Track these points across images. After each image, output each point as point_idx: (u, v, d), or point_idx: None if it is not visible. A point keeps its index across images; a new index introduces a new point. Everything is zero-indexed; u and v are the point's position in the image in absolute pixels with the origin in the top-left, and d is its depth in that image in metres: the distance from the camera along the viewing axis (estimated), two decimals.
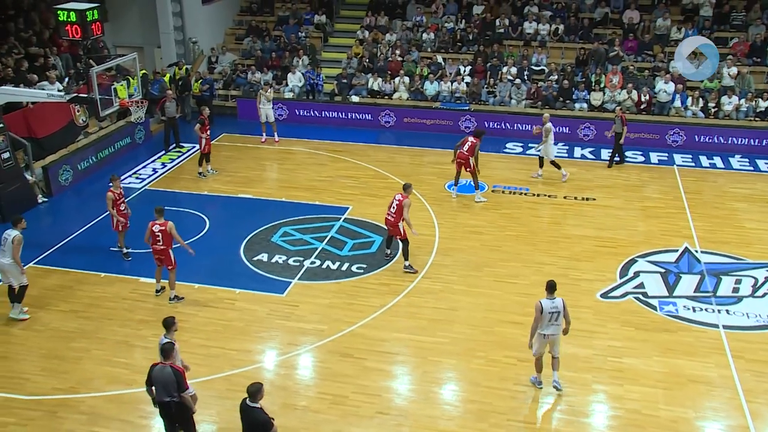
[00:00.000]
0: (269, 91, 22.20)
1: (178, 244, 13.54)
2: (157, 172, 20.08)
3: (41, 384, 11.43)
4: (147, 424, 10.67)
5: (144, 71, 22.90)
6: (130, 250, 15.34)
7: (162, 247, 13.39)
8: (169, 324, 10.12)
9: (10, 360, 12.06)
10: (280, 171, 20.14)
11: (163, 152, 21.34)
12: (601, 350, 12.23)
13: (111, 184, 15.17)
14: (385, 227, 15.07)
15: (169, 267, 13.57)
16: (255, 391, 8.77)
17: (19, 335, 12.75)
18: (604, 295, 13.88)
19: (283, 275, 14.58)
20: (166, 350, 9.35)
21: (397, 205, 14.55)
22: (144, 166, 20.45)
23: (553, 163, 19.18)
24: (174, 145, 21.70)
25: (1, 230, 16.49)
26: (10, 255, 12.77)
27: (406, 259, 14.69)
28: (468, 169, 17.81)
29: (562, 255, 15.37)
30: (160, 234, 13.31)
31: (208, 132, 19.28)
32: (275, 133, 22.28)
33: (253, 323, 13.08)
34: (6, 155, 16.91)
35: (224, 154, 21.28)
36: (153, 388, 9.38)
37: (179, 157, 21.16)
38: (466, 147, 17.73)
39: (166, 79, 23.80)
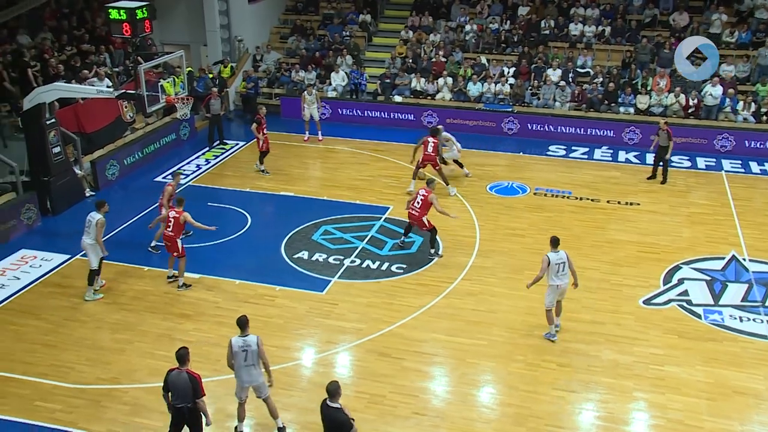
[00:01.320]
0: (313, 92, 22.29)
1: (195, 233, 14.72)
2: (200, 168, 20.35)
3: (86, 373, 11.68)
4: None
5: (190, 69, 23.22)
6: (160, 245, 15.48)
7: (171, 234, 13.89)
8: (243, 323, 10.02)
9: (58, 349, 12.34)
10: (322, 169, 20.25)
11: (207, 149, 21.62)
12: (642, 357, 12.02)
13: (172, 179, 15.52)
14: (408, 220, 15.34)
15: (176, 255, 14.05)
16: (334, 390, 8.63)
17: (65, 325, 13.05)
18: (647, 302, 13.66)
19: (323, 273, 14.66)
20: (182, 356, 9.28)
21: (422, 200, 14.87)
22: (188, 162, 20.75)
23: (456, 161, 19.33)
24: (218, 141, 21.98)
25: (52, 223, 17.00)
26: (93, 236, 13.57)
27: (432, 246, 15.12)
28: (436, 168, 17.94)
29: (604, 260, 15.17)
30: (172, 221, 13.85)
31: (265, 131, 19.45)
32: (319, 132, 22.37)
33: (293, 320, 13.17)
34: (57, 149, 17.30)
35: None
36: (169, 393, 9.36)
37: (223, 153, 21.41)
38: (430, 148, 17.80)
39: (210, 76, 24.10)
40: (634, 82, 23.08)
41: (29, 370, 11.76)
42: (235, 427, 10.48)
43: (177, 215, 13.85)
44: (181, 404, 9.31)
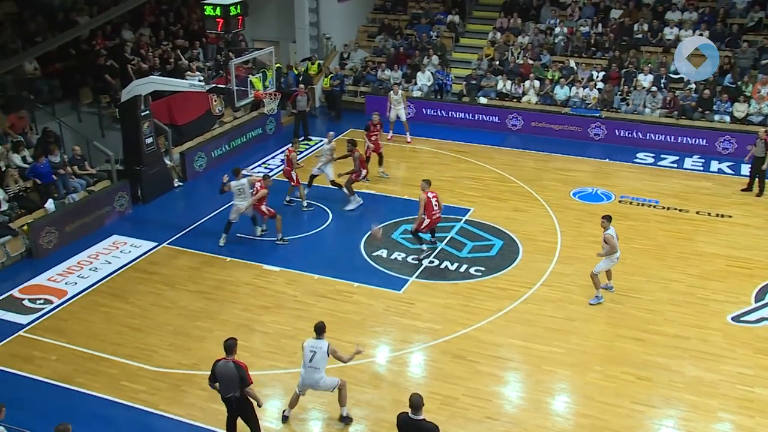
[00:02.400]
0: (399, 92, 22.31)
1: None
2: (284, 163, 20.66)
3: (168, 358, 12.11)
4: (262, 407, 11.02)
5: (279, 65, 23.69)
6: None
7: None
8: (320, 329, 10.34)
9: (143, 333, 12.84)
10: (404, 169, 20.31)
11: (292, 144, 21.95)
12: (729, 376, 11.57)
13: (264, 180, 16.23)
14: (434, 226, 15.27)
15: (267, 217, 15.76)
16: (419, 404, 8.51)
17: (151, 310, 13.56)
18: (736, 319, 13.12)
19: (402, 272, 14.71)
20: (230, 346, 9.43)
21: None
22: (273, 157, 21.16)
23: (333, 182, 18.19)
24: (303, 137, 22.33)
25: (142, 211, 17.66)
26: (248, 201, 15.59)
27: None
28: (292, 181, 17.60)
29: (690, 272, 14.67)
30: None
31: (374, 137, 19.33)
32: (408, 133, 22.37)
33: (369, 317, 13.27)
34: (150, 140, 17.97)
35: None
36: (217, 383, 9.54)
37: (307, 149, 21.73)
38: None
39: (296, 73, 24.50)
40: (733, 87, 22.16)
41: (117, 351, 12.28)
42: (283, 411, 10.74)
43: (261, 187, 15.55)
44: (229, 394, 9.51)
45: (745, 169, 19.43)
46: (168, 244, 15.97)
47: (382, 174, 19.58)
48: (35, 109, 18.04)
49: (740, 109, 21.58)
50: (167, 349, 12.32)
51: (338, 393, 10.56)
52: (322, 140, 22.35)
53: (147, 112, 17.79)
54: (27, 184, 16.39)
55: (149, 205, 18.03)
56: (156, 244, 15.95)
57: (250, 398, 9.68)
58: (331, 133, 18.96)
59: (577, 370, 11.75)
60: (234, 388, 9.48)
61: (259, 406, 9.79)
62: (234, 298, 13.91)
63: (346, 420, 10.63)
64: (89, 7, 20.62)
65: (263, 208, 15.70)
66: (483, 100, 24.03)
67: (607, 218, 13.39)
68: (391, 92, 22.30)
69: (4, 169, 16.26)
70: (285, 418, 10.76)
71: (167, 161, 19.08)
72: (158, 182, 18.46)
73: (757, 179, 18.38)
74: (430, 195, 14.88)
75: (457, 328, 12.84)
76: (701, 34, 23.72)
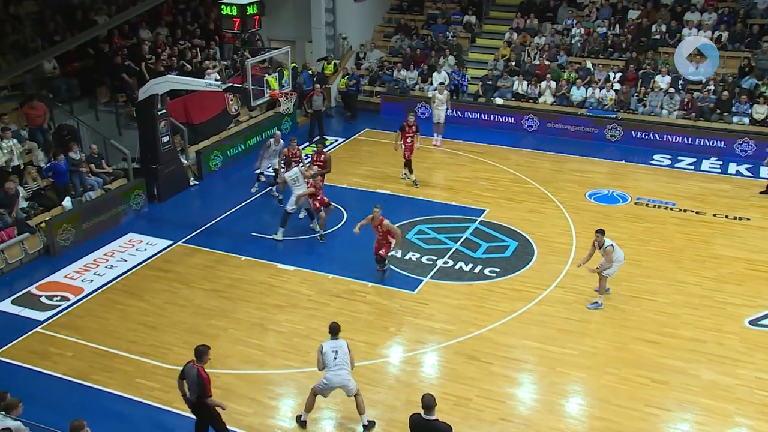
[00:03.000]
0: (444, 92, 21.66)
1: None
2: (300, 163, 20.69)
3: (183, 355, 12.08)
4: (275, 405, 11.10)
5: (294, 64, 23.74)
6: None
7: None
8: (335, 329, 10.35)
9: (158, 330, 12.92)
10: (419, 169, 20.22)
11: (308, 144, 22.05)
12: (746, 381, 11.46)
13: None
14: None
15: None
16: (432, 404, 8.50)
17: (166, 308, 13.63)
18: (754, 323, 13.00)
19: (416, 273, 14.70)
20: (199, 352, 9.44)
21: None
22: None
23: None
24: (318, 137, 22.34)
25: (157, 209, 17.76)
26: (303, 189, 15.85)
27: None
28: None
29: (707, 275, 14.55)
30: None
31: (409, 139, 18.67)
32: (439, 135, 22.03)
33: (383, 317, 13.28)
34: (166, 139, 18.07)
35: (365, 149, 21.75)
36: (185, 382, 9.58)
37: (323, 149, 21.64)
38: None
39: (310, 73, 24.55)
40: (752, 89, 21.97)
41: (132, 348, 12.36)
42: (299, 416, 10.68)
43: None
44: (190, 396, 9.58)
45: (764, 171, 19.26)
46: (183, 242, 16.06)
47: (406, 176, 19.12)
48: (54, 107, 18.19)
49: (760, 111, 21.37)
50: (182, 347, 12.37)
51: (356, 400, 10.42)
52: (337, 140, 22.45)
53: (164, 111, 17.90)
54: (45, 183, 16.55)
55: (165, 204, 18.14)
56: (171, 242, 16.05)
57: (211, 407, 9.67)
58: (278, 133, 19.06)
59: (591, 373, 11.70)
60: (193, 393, 9.53)
61: (223, 409, 9.69)
62: (248, 297, 13.96)
63: (369, 426, 10.50)
64: (108, 6, 20.77)
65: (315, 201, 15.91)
66: (499, 101, 23.96)
67: (601, 232, 13.32)
68: (436, 92, 21.78)
69: (23, 166, 16.41)
70: (303, 423, 10.63)
71: (183, 160, 19.18)
72: (174, 181, 18.57)
73: None
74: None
75: (470, 329, 12.82)
76: (720, 35, 23.54)
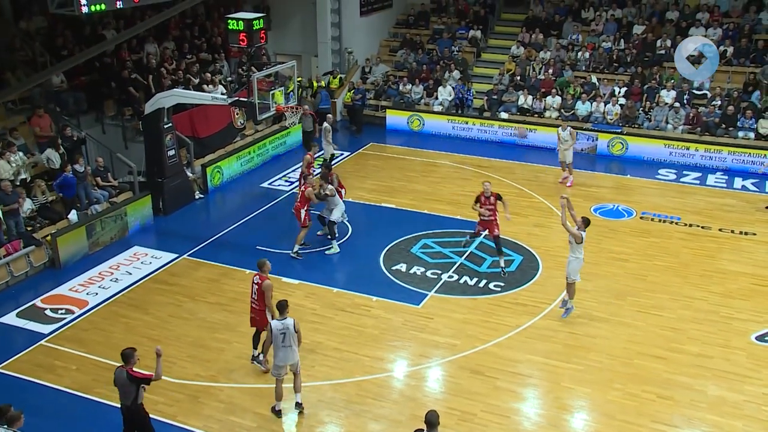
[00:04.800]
0: (567, 128, 19.54)
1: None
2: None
3: (187, 369, 12.12)
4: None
5: (300, 78, 23.84)
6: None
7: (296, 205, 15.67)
8: (283, 307, 10.51)
9: (162, 344, 12.68)
10: (424, 183, 20.27)
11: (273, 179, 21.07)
12: (754, 397, 11.35)
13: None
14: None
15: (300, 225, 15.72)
16: (435, 421, 8.49)
17: (170, 321, 13.61)
18: (761, 338, 12.89)
19: (421, 287, 14.65)
20: (126, 355, 9.47)
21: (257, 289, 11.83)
22: (293, 170, 21.18)
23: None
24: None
25: (163, 222, 17.77)
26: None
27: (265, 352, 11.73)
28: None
29: (714, 290, 14.46)
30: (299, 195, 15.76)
31: (489, 211, 15.03)
32: (569, 176, 19.95)
33: (388, 332, 13.22)
34: (172, 152, 18.11)
35: (371, 163, 21.74)
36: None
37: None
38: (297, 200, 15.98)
39: (314, 87, 24.65)
40: (758, 104, 21.94)
41: (137, 362, 12.26)
42: (273, 407, 11.00)
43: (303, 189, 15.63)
44: (122, 403, 9.58)
45: None
46: (188, 255, 16.05)
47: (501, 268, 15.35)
48: (60, 121, 18.26)
49: (765, 126, 21.33)
50: (186, 360, 12.34)
51: (294, 379, 10.87)
52: (342, 153, 22.45)
53: (170, 124, 17.95)
54: (53, 197, 16.59)
55: (170, 217, 18.15)
56: (176, 255, 16.04)
57: (144, 411, 9.68)
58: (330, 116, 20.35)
59: (597, 388, 11.61)
60: (125, 397, 9.52)
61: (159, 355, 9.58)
62: None
63: (299, 407, 10.98)
64: (116, 21, 20.90)
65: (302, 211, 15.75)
66: (504, 115, 23.97)
67: (585, 221, 13.35)
68: (559, 129, 19.76)
69: (29, 179, 16.45)
70: (279, 413, 10.95)
71: (189, 173, 19.21)
72: (179, 194, 18.59)
73: None
74: None
75: (475, 344, 12.75)
76: (725, 51, 23.54)
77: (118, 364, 9.23)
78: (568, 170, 19.87)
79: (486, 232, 15.39)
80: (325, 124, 20.43)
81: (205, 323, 13.55)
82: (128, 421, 9.75)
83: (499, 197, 15.02)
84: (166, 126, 17.77)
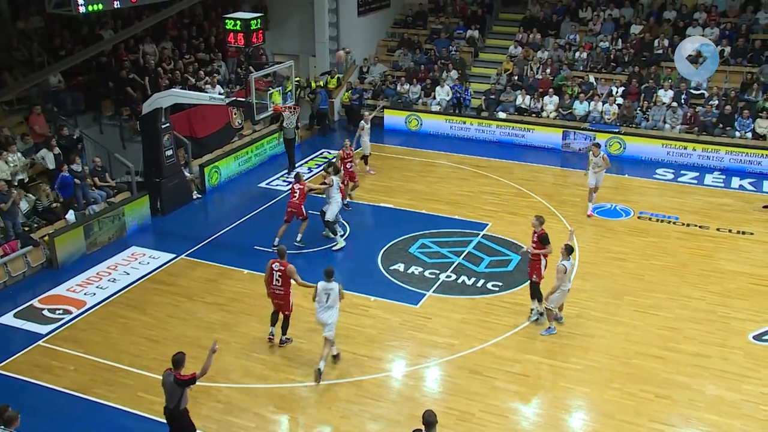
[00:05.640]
0: (600, 154, 17.48)
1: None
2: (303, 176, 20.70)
3: (185, 369, 12.02)
4: (277, 420, 11.03)
5: (299, 78, 23.84)
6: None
7: (297, 202, 15.90)
8: (330, 273, 11.76)
9: (160, 344, 12.85)
10: (422, 183, 20.26)
11: (286, 172, 20.95)
12: (751, 396, 11.37)
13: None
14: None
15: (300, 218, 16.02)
16: (433, 421, 8.51)
17: (168, 321, 13.59)
18: (758, 338, 12.91)
19: (419, 287, 14.65)
20: (177, 360, 9.53)
21: (281, 274, 12.41)
22: (291, 171, 21.13)
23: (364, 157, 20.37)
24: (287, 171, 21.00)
25: (160, 222, 17.76)
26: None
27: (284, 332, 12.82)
28: (300, 218, 16.11)
29: (711, 290, 14.47)
30: (297, 192, 15.89)
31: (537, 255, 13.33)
32: (591, 205, 17.88)
33: (386, 332, 13.22)
34: (169, 152, 18.09)
35: (369, 162, 21.67)
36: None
37: (325, 162, 21.64)
38: (296, 196, 15.92)
39: (313, 86, 24.64)
40: (755, 103, 21.96)
41: (134, 362, 12.31)
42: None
43: (301, 187, 15.92)
44: (166, 405, 9.61)
45: (767, 185, 19.22)
46: (186, 255, 16.03)
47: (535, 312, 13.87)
48: (57, 121, 18.23)
49: (763, 125, 21.36)
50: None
51: (324, 345, 11.83)
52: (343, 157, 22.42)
53: (167, 124, 17.92)
54: (54, 198, 16.57)
55: (168, 217, 18.12)
56: (174, 255, 16.02)
57: (188, 416, 9.72)
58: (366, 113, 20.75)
59: (595, 388, 11.61)
60: (170, 401, 9.56)
61: (203, 372, 9.59)
62: (251, 311, 13.90)
63: (319, 372, 11.70)
64: (113, 21, 20.87)
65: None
66: (502, 115, 23.97)
67: (567, 249, 12.51)
68: (590, 153, 17.81)
69: (26, 180, 16.41)
70: (319, 372, 11.68)
71: (186, 173, 19.19)
72: (177, 194, 18.57)
73: None
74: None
75: (474, 344, 12.75)
76: (723, 50, 23.55)
77: (117, 365, 9.25)
78: (593, 198, 17.96)
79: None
80: (362, 122, 20.41)
81: (203, 323, 13.53)
82: (170, 424, 9.77)
83: (541, 238, 13.09)
84: (163, 126, 17.74)
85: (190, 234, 17.11)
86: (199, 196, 19.41)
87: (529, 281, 13.48)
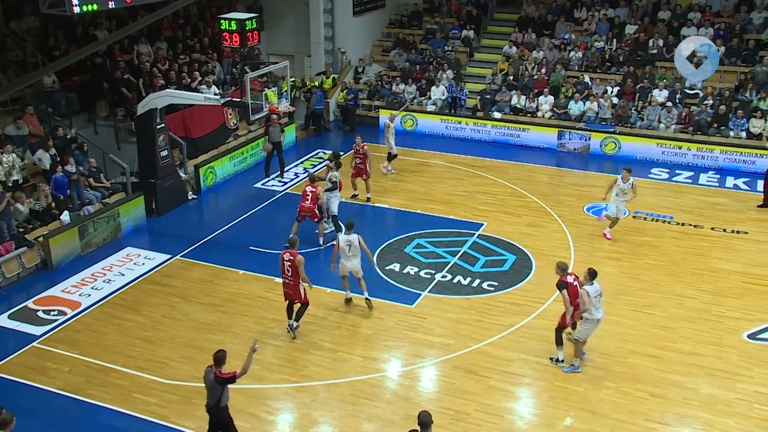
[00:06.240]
0: (630, 181, 15.92)
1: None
2: (298, 176, 20.75)
3: (180, 370, 12.09)
4: (273, 420, 11.03)
5: (294, 78, 23.83)
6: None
7: (309, 206, 16.01)
8: (351, 225, 13.58)
9: (155, 345, 12.85)
10: (418, 183, 20.28)
11: (268, 178, 20.62)
12: (745, 395, 11.41)
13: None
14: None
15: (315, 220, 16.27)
16: (428, 422, 8.54)
17: (163, 322, 13.57)
18: (753, 336, 12.96)
19: (414, 286, 14.66)
20: (219, 358, 9.56)
21: (290, 265, 12.73)
22: (286, 170, 21.15)
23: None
24: (278, 173, 20.72)
25: (155, 223, 17.73)
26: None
27: (297, 319, 13.05)
28: (316, 220, 16.22)
29: (705, 289, 14.52)
30: (309, 194, 15.99)
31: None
32: (607, 229, 16.59)
33: (381, 332, 13.22)
34: (164, 153, 18.07)
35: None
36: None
37: (321, 162, 21.64)
38: (308, 199, 15.95)
39: (302, 86, 24.68)
40: (749, 102, 22.03)
41: (129, 363, 12.29)
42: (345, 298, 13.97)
43: (313, 190, 16.00)
44: (208, 402, 9.66)
45: (761, 185, 19.24)
46: (181, 256, 16.02)
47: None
48: (52, 121, 18.20)
49: (757, 125, 21.42)
50: (179, 361, 12.31)
51: (360, 282, 13.72)
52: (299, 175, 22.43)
53: (162, 125, 17.91)
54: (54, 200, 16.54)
55: (163, 218, 18.10)
56: (169, 256, 16.01)
57: (228, 413, 9.75)
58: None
59: (590, 387, 11.63)
60: (211, 398, 9.60)
61: (244, 371, 9.62)
62: (246, 311, 13.90)
63: (368, 301, 13.71)
64: (108, 21, 20.83)
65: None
66: (497, 115, 24.00)
67: (591, 273, 11.64)
68: (618, 178, 16.14)
69: (21, 181, 16.37)
70: (348, 300, 13.94)
71: (181, 174, 19.17)
72: (172, 195, 18.55)
73: None
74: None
75: (469, 343, 12.77)
76: (717, 50, 23.59)
77: (112, 366, 9.24)
78: (613, 223, 16.48)
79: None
80: (386, 121, 20.55)
81: (198, 324, 13.52)
82: (212, 421, 9.82)
83: (559, 286, 11.89)
84: (159, 126, 17.73)
85: (186, 234, 17.10)
86: (195, 196, 19.39)
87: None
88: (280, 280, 14.65)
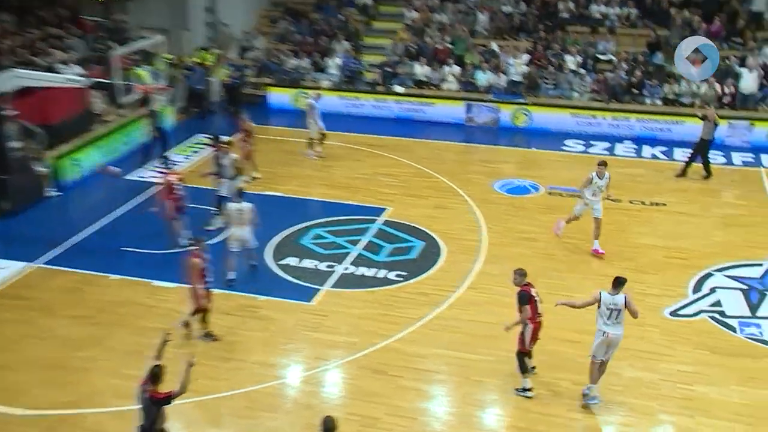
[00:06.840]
0: (605, 176, 15.46)
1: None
2: (176, 165, 20.03)
3: (40, 397, 11.40)
4: None
5: (170, 56, 23.16)
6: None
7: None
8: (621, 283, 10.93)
9: (10, 370, 12.06)
10: (313, 167, 20.09)
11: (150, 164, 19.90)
12: (668, 375, 11.81)
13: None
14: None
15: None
16: (334, 427, 8.52)
17: (20, 342, 12.79)
18: (674, 313, 13.45)
19: (313, 282, 14.50)
20: (154, 375, 9.18)
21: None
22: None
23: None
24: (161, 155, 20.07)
25: (6, 226, 16.84)
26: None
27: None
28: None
29: (625, 266, 14.88)
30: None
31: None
32: (596, 242, 15.63)
33: (278, 334, 13.00)
34: (15, 144, 17.17)
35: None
36: None
37: (201, 150, 21.09)
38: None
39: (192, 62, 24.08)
40: (663, 66, 22.85)
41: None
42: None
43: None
44: (140, 423, 9.27)
45: (678, 153, 20.02)
46: (41, 263, 15.25)
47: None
48: None
49: (671, 90, 22.24)
50: (39, 386, 11.58)
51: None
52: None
53: (12, 111, 16.98)
54: None
55: (17, 219, 17.16)
56: (26, 264, 15.20)
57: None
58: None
59: (508, 380, 11.72)
60: (145, 420, 9.22)
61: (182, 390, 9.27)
62: (122, 321, 13.36)
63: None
64: None
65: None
66: (399, 89, 24.03)
67: (619, 281, 11.04)
68: (593, 174, 15.53)
69: None
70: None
71: (38, 167, 18.27)
72: (27, 192, 17.70)
73: (697, 164, 18.94)
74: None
75: (375, 340, 12.70)
76: (629, 12, 24.35)
77: None
78: (596, 229, 15.54)
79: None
80: (310, 100, 20.16)
81: (64, 341, 12.86)
82: None
83: (518, 298, 11.40)
84: (6, 113, 16.79)
85: (46, 238, 16.26)
86: (55, 193, 18.53)
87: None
88: (160, 284, 14.34)
